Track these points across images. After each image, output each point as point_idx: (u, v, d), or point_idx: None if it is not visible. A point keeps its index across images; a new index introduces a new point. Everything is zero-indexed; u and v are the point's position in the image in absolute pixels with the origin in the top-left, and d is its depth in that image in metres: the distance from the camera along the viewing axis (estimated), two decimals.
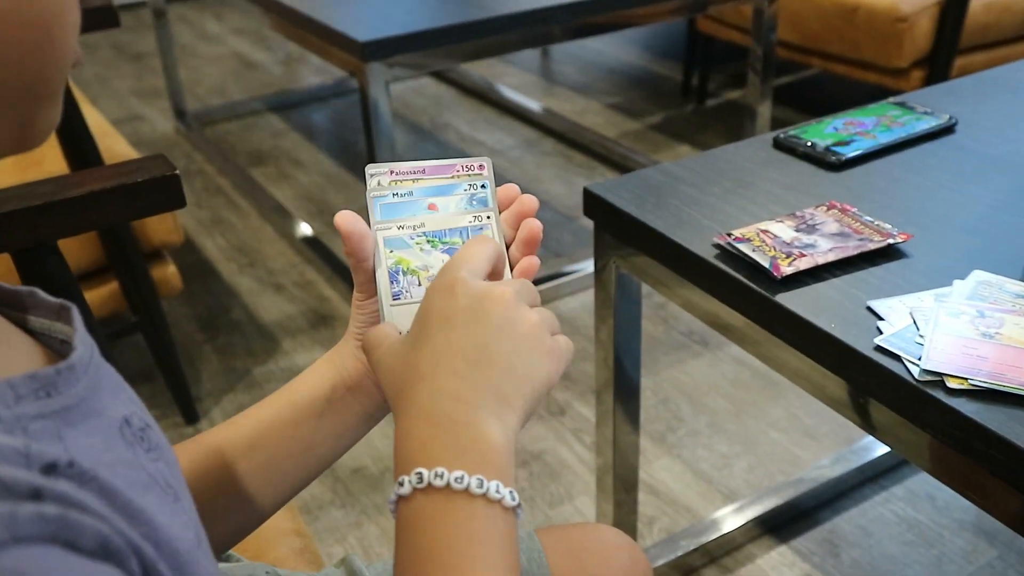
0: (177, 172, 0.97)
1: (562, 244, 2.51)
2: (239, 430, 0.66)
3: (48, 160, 1.70)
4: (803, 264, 0.92)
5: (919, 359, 0.79)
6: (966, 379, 0.76)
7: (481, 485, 0.48)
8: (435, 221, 0.63)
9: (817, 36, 2.69)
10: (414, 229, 0.63)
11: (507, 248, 0.63)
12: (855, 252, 0.93)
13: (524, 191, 0.65)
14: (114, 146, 1.81)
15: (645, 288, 1.16)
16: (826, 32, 2.66)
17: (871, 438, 1.64)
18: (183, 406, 1.91)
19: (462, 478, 0.48)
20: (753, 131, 2.39)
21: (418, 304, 0.57)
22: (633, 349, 1.23)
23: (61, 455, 0.36)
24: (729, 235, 0.97)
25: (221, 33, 4.44)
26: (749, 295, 0.93)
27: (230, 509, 0.66)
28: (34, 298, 0.47)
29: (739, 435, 1.81)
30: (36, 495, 0.33)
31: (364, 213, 0.63)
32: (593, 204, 1.12)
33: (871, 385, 0.82)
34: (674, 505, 1.66)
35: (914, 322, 0.84)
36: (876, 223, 0.97)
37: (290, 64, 4.04)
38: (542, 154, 3.06)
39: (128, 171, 0.97)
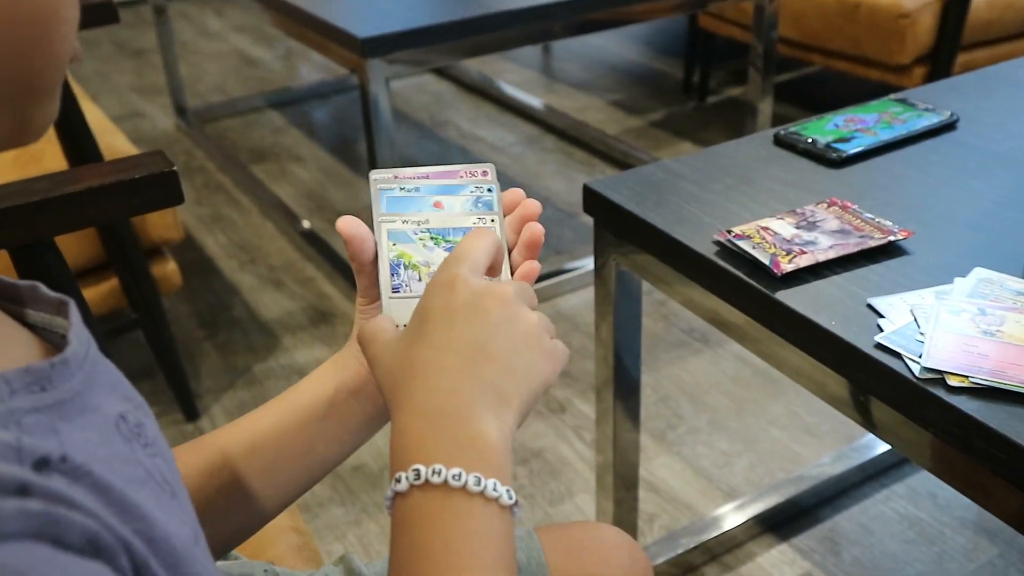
0: (175, 168, 0.97)
1: (562, 241, 2.51)
2: (242, 432, 0.66)
3: (47, 157, 1.70)
4: (803, 261, 0.91)
5: (920, 357, 0.79)
6: (967, 377, 0.76)
7: (479, 483, 0.48)
8: (440, 218, 0.63)
9: (818, 33, 2.69)
10: (418, 224, 0.63)
11: (509, 252, 0.63)
12: (856, 249, 0.93)
13: (524, 188, 0.65)
14: (114, 143, 1.81)
15: (646, 285, 1.16)
16: (827, 29, 2.65)
17: (872, 436, 1.64)
18: (183, 403, 1.91)
19: (460, 475, 0.48)
20: (754, 128, 2.38)
21: (417, 298, 0.57)
22: (633, 346, 1.23)
23: (54, 449, 0.36)
24: (729, 232, 0.96)
25: (222, 30, 4.44)
26: (749, 292, 0.92)
27: (232, 510, 0.65)
28: (35, 292, 0.47)
29: (740, 433, 1.80)
30: (23, 491, 0.33)
31: (366, 212, 0.63)
32: (593, 201, 1.12)
33: (872, 383, 0.82)
34: (674, 503, 1.65)
35: (915, 320, 0.83)
36: (877, 220, 0.97)
37: (291, 61, 4.04)
38: (543, 151, 3.05)
39: (126, 167, 0.97)
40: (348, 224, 0.61)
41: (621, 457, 1.32)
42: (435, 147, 3.15)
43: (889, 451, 1.69)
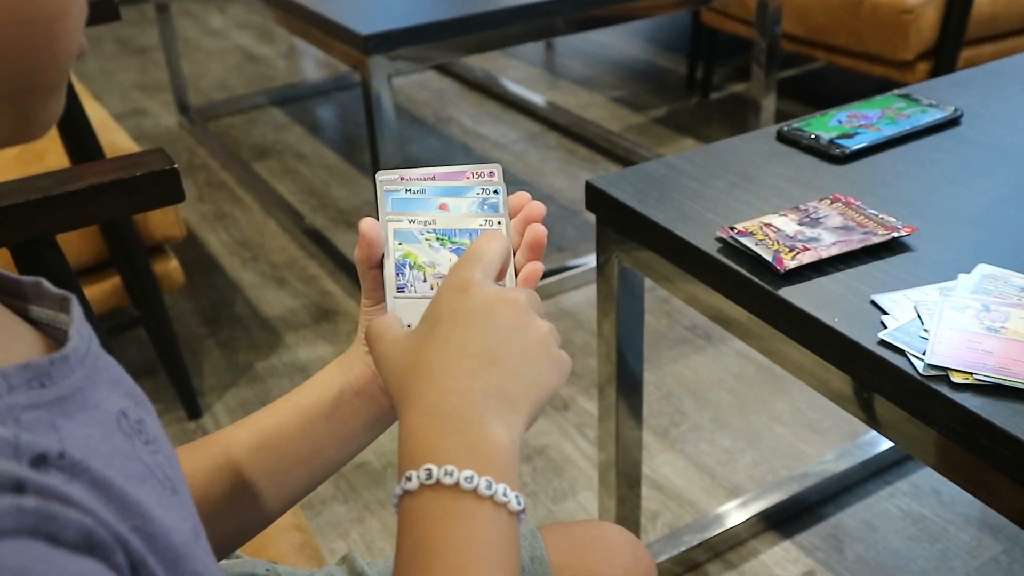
0: (176, 166, 0.97)
1: (565, 238, 2.51)
2: (247, 432, 0.66)
3: (50, 154, 1.70)
4: (806, 258, 0.91)
5: (923, 354, 0.78)
6: (971, 374, 0.76)
7: (490, 487, 0.48)
8: (446, 219, 0.63)
9: (822, 29, 2.68)
10: (425, 224, 0.63)
11: (513, 254, 0.63)
12: (859, 246, 0.93)
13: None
14: (116, 140, 1.81)
15: (648, 282, 1.15)
16: (831, 24, 2.65)
17: (875, 433, 1.63)
18: (186, 401, 1.91)
19: (472, 478, 0.48)
20: (757, 124, 2.38)
21: (422, 299, 0.57)
22: (636, 344, 1.23)
23: (53, 446, 0.36)
24: (732, 229, 0.96)
25: (224, 27, 4.44)
26: (752, 289, 0.92)
27: (236, 510, 0.66)
28: (39, 288, 0.47)
29: (743, 430, 1.80)
30: (18, 488, 0.33)
31: (368, 209, 0.63)
32: (595, 198, 1.11)
33: (875, 380, 0.82)
34: (677, 500, 1.65)
35: (918, 316, 0.83)
36: (880, 216, 0.97)
37: (293, 58, 4.03)
38: (546, 148, 3.05)
39: (127, 165, 0.96)
40: (371, 225, 0.61)
41: (624, 454, 1.32)
42: (438, 144, 3.15)
43: (893, 448, 1.68)
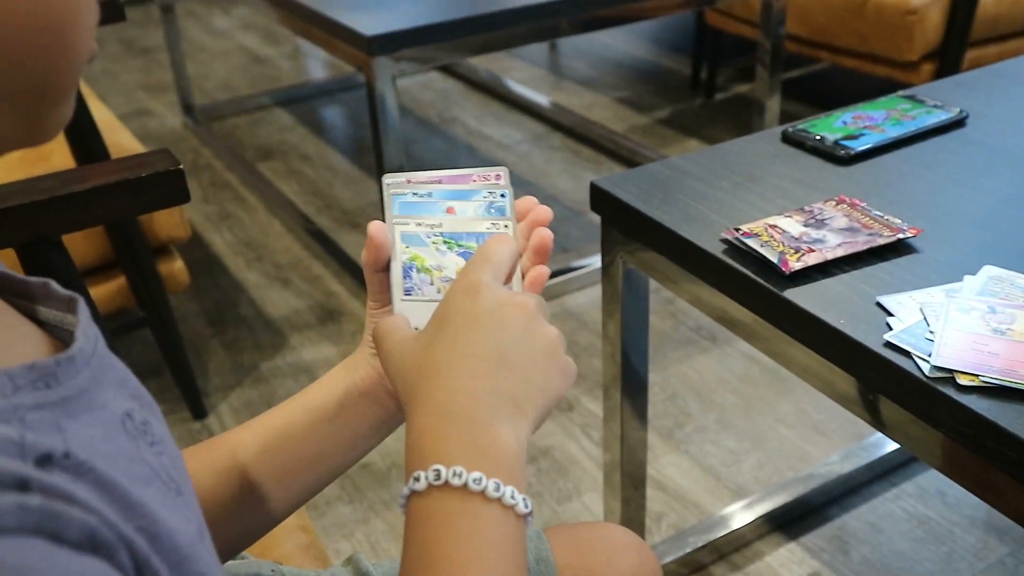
0: (181, 167, 0.97)
1: (570, 239, 2.50)
2: (253, 434, 0.67)
3: (55, 156, 1.70)
4: (812, 259, 0.91)
5: (929, 355, 0.78)
6: (977, 376, 0.76)
7: (498, 489, 0.48)
8: (453, 223, 0.63)
9: (826, 30, 2.68)
10: (431, 228, 0.63)
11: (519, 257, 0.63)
12: (864, 247, 0.93)
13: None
14: (121, 141, 1.81)
15: (653, 283, 1.15)
16: (835, 25, 2.64)
17: (881, 434, 1.63)
18: (191, 401, 1.91)
19: (480, 479, 0.48)
20: (762, 125, 2.38)
21: (428, 302, 0.57)
22: (640, 345, 1.22)
23: (58, 446, 0.36)
24: (737, 230, 0.96)
25: (229, 28, 4.44)
26: (757, 291, 0.92)
27: (241, 512, 0.66)
28: (46, 289, 0.47)
29: (748, 431, 1.80)
30: (22, 486, 0.33)
31: (372, 209, 0.63)
32: (600, 199, 1.11)
33: (880, 382, 0.81)
34: (682, 501, 1.65)
35: (924, 318, 0.83)
36: (886, 218, 0.97)
37: (298, 59, 4.04)
38: (550, 149, 3.05)
39: (132, 166, 0.97)
40: (378, 229, 0.62)
41: (629, 455, 1.32)
42: (442, 145, 3.15)
43: (898, 450, 1.68)
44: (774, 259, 0.91)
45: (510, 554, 0.48)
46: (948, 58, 2.52)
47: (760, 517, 1.57)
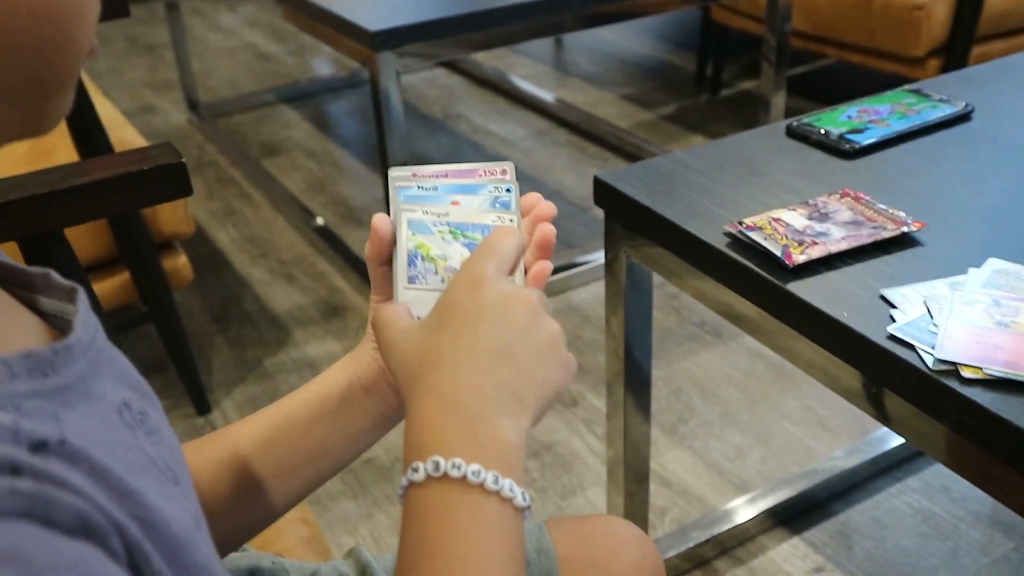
0: (183, 160, 0.97)
1: (574, 235, 2.50)
2: (254, 427, 0.67)
3: (59, 151, 1.70)
4: (816, 253, 0.90)
5: (933, 348, 0.78)
6: (981, 369, 0.75)
7: (496, 481, 0.48)
8: (460, 213, 0.63)
9: (832, 25, 2.67)
10: (438, 216, 0.62)
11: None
12: (868, 240, 0.92)
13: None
14: (125, 136, 1.81)
15: (657, 278, 1.15)
16: (841, 21, 2.64)
17: (885, 429, 1.63)
18: (195, 397, 1.91)
19: (479, 472, 0.48)
20: (767, 121, 2.37)
21: (432, 291, 0.56)
22: (644, 340, 1.22)
23: (53, 434, 0.36)
24: (741, 223, 0.95)
25: (234, 25, 4.44)
26: (761, 284, 0.91)
27: (243, 505, 0.66)
28: (47, 279, 0.47)
29: (752, 426, 1.79)
30: (14, 470, 0.33)
31: (377, 206, 0.63)
32: (604, 193, 1.11)
33: (885, 375, 0.81)
34: (686, 496, 1.65)
35: (928, 311, 0.82)
36: (890, 211, 0.96)
37: (302, 55, 4.04)
38: (555, 145, 3.04)
39: (134, 159, 0.96)
40: (383, 221, 0.61)
41: (632, 451, 1.32)
42: (446, 141, 3.15)
43: (903, 444, 1.68)
44: (778, 252, 0.91)
45: (508, 546, 0.48)
46: (955, 54, 2.51)
47: (764, 512, 1.57)
